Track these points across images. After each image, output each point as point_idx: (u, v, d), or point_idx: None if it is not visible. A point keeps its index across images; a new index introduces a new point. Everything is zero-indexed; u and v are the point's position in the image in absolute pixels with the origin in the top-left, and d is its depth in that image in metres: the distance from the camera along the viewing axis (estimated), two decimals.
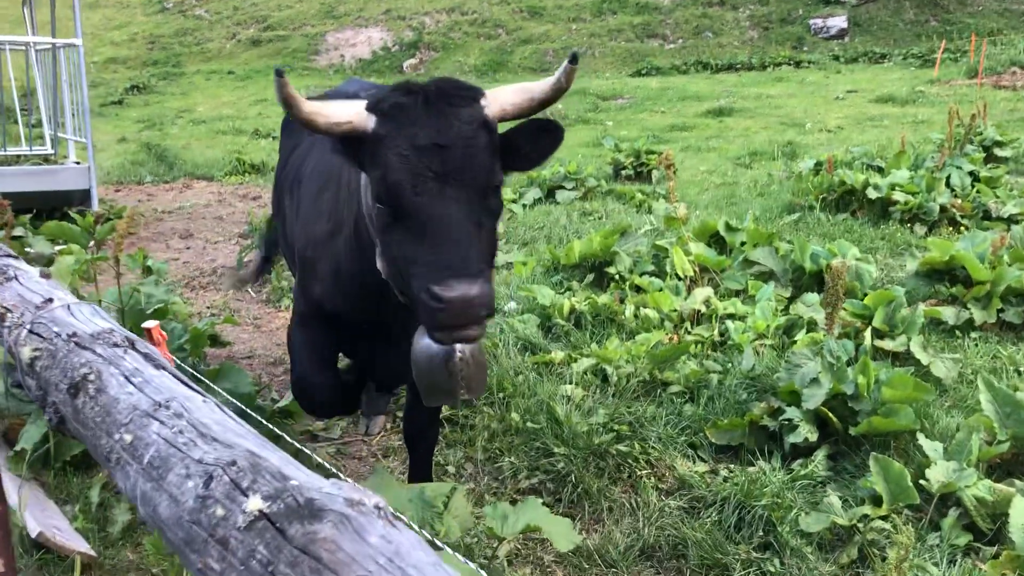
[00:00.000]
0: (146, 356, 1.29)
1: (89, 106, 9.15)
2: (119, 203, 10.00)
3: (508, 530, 2.71)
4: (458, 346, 2.32)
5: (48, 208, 8.94)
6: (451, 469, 3.98)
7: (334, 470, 1.58)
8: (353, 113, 2.30)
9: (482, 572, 1.24)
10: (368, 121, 2.29)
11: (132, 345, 1.32)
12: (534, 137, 2.47)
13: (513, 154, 2.42)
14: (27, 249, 6.49)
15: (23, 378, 1.44)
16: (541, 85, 2.43)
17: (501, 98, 2.40)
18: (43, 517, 3.24)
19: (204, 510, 0.92)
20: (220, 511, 0.90)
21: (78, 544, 3.18)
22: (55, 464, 3.78)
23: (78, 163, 9.49)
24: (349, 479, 1.56)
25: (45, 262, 6.19)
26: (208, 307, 6.46)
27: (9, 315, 1.55)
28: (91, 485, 3.59)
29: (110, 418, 1.15)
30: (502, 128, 2.43)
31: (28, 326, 1.46)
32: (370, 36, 28.99)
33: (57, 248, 6.60)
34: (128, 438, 1.07)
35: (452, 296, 2.07)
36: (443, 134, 2.22)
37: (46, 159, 9.92)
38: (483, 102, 2.34)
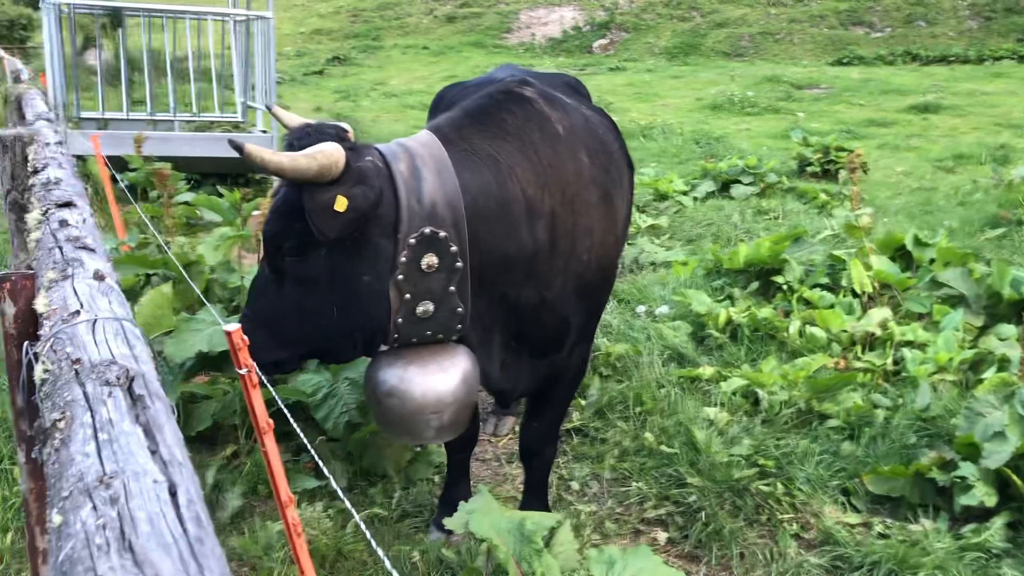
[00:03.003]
0: (137, 400, 1.10)
1: (291, 74, 9.46)
2: None
3: None
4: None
5: (235, 173, 9.36)
6: (575, 486, 3.72)
7: (380, 551, 1.36)
8: None
9: None
10: None
11: (130, 383, 1.14)
12: None
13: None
14: (198, 211, 6.71)
15: (37, 399, 1.30)
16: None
17: None
18: None
19: None
20: None
21: None
22: (187, 434, 3.79)
23: (264, 131, 9.83)
24: None
25: (211, 229, 6.38)
26: None
27: (46, 323, 1.43)
28: (209, 465, 3.57)
29: (59, 484, 0.96)
30: None
31: (51, 341, 1.33)
32: (562, 15, 28.85)
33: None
34: (57, 520, 0.88)
35: None
36: None
37: (236, 126, 10.35)
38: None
